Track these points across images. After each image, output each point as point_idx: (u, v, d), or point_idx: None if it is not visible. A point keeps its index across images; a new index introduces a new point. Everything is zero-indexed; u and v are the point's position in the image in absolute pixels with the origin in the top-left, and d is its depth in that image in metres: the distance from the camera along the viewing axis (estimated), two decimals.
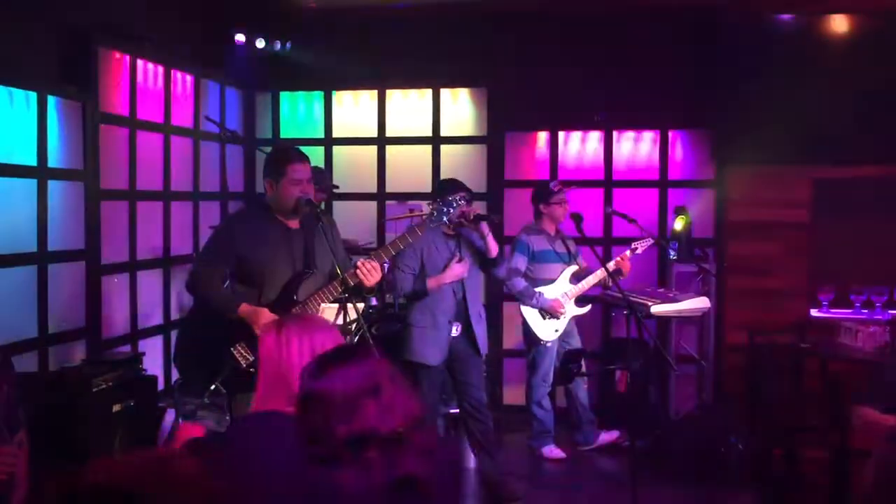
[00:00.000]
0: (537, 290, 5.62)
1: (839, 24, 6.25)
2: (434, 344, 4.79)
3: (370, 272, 3.75)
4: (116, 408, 4.53)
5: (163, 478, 1.24)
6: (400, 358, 4.81)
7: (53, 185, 4.99)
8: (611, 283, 5.41)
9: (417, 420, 1.71)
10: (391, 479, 1.61)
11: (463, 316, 4.87)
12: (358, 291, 3.86)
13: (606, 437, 5.91)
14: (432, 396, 4.91)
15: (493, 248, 4.87)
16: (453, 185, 4.85)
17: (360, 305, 3.80)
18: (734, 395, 6.26)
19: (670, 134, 6.77)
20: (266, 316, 3.64)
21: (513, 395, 6.66)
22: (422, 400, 4.94)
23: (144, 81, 5.79)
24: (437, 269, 4.80)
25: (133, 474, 1.22)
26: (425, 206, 4.66)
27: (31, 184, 4.84)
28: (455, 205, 4.19)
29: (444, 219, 4.11)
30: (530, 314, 5.67)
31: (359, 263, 3.77)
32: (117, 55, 5.50)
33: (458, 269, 4.80)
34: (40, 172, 4.89)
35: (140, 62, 5.72)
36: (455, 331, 4.85)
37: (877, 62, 6.09)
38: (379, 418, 1.65)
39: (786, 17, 6.34)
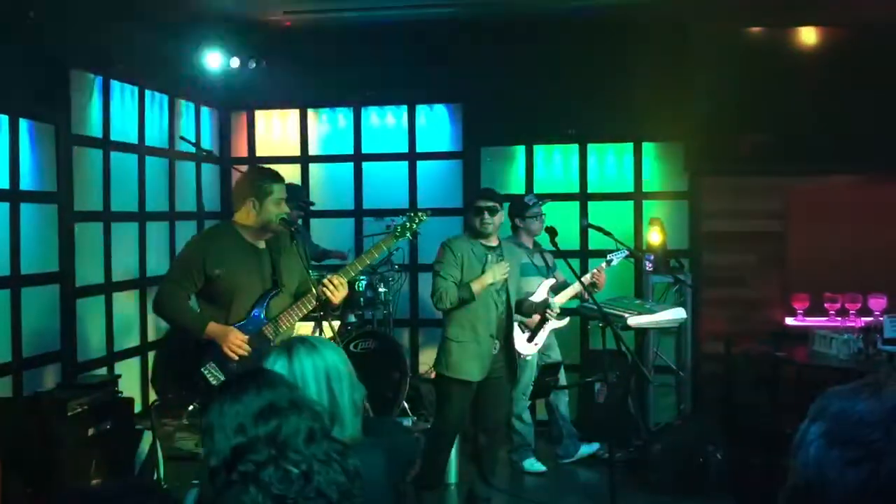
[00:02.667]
0: None
1: (811, 35, 6.35)
2: (476, 358, 4.57)
3: (337, 288, 3.71)
4: (92, 431, 4.49)
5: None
6: (437, 373, 4.67)
7: (26, 208, 4.96)
8: (587, 296, 5.44)
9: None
10: None
11: (503, 332, 4.70)
12: (331, 309, 3.86)
13: (587, 449, 5.92)
14: (461, 415, 4.69)
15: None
16: (486, 196, 4.76)
17: (336, 324, 3.79)
18: (712, 405, 6.30)
19: (643, 146, 6.83)
20: (235, 335, 3.63)
21: None
22: (448, 418, 4.80)
23: (118, 102, 5.77)
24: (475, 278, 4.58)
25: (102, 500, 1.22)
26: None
27: (3, 207, 4.81)
28: (415, 225, 4.15)
29: (408, 234, 4.09)
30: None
31: (325, 280, 3.73)
32: (90, 77, 5.48)
33: (498, 269, 4.56)
34: (12, 195, 4.86)
35: (113, 83, 5.70)
36: (495, 347, 4.65)
37: (849, 72, 6.18)
38: None
39: (757, 28, 6.43)
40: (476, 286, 4.53)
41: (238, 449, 1.68)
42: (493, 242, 4.70)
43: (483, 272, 4.57)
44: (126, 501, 1.33)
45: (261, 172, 3.99)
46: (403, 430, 3.05)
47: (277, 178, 3.85)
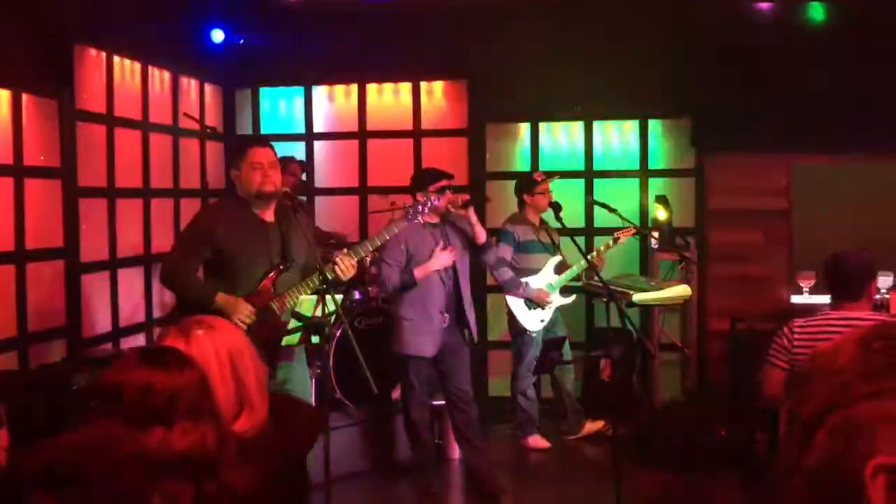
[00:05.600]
0: (523, 280, 5.62)
1: (820, 9, 6.28)
2: (427, 335, 4.74)
3: (347, 268, 3.76)
4: (95, 404, 4.50)
5: (105, 458, 1.25)
6: (395, 351, 4.82)
7: (30, 184, 4.96)
8: (592, 274, 5.43)
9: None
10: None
11: (453, 305, 4.84)
12: (335, 284, 3.87)
13: (591, 426, 5.93)
14: (422, 389, 4.89)
15: (481, 235, 4.85)
16: (431, 175, 4.84)
17: (339, 297, 3.80)
18: (717, 383, 6.29)
19: (650, 123, 6.79)
20: (245, 306, 3.63)
21: (498, 386, 6.67)
22: (411, 393, 4.93)
23: (121, 78, 5.75)
24: (424, 260, 4.74)
25: (74, 457, 1.23)
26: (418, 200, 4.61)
27: (7, 182, 4.81)
28: (435, 199, 4.25)
29: (420, 215, 4.15)
30: (516, 304, 5.68)
31: (336, 259, 3.78)
32: (93, 52, 5.46)
33: (443, 257, 4.74)
34: (17, 170, 4.86)
35: (117, 59, 5.68)
36: (445, 321, 4.81)
37: (855, 49, 6.12)
38: None
39: (764, 4, 6.37)
40: (419, 272, 4.68)
41: None
42: (436, 220, 4.75)
43: (430, 256, 4.70)
44: None
45: (239, 138, 4.00)
46: (305, 405, 2.95)
47: (253, 141, 3.87)
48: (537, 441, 5.76)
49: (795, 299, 6.21)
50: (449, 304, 4.81)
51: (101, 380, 1.62)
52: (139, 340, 5.99)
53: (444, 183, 4.74)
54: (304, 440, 2.18)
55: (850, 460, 0.76)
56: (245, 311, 3.64)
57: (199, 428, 1.58)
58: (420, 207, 4.19)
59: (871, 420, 0.78)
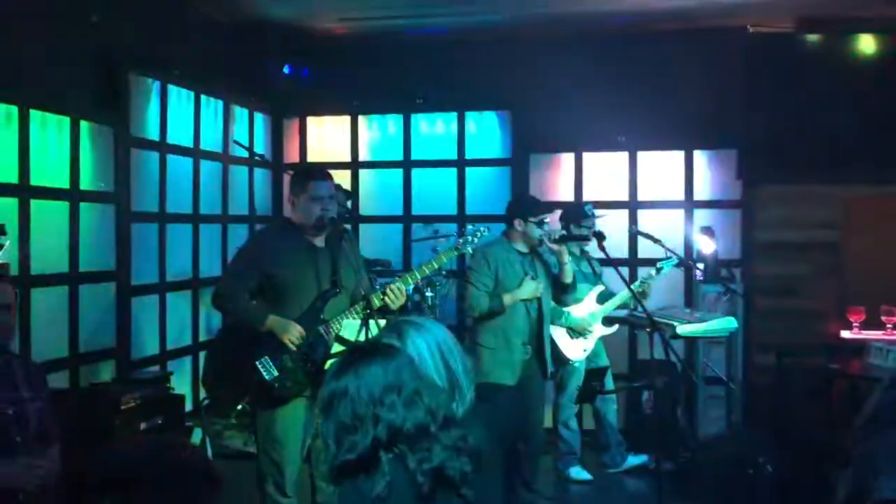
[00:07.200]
0: (565, 309, 5.60)
1: (870, 42, 6.23)
2: (506, 366, 4.52)
3: (396, 296, 3.81)
4: (144, 426, 4.59)
5: (162, 464, 1.29)
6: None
7: (85, 208, 5.10)
8: (636, 304, 5.39)
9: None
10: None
11: (535, 337, 4.64)
12: (382, 312, 3.90)
13: (634, 460, 5.85)
14: (502, 419, 4.49)
15: (569, 275, 4.68)
16: (533, 204, 4.70)
17: (383, 322, 3.83)
18: (763, 417, 6.17)
19: (695, 154, 6.76)
20: (296, 328, 3.68)
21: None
22: (490, 422, 4.76)
23: (175, 107, 5.91)
24: (511, 288, 4.54)
25: (133, 462, 1.27)
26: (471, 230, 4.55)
27: (63, 206, 4.95)
28: (475, 238, 4.21)
29: (468, 248, 4.17)
30: (558, 334, 5.65)
31: (387, 288, 3.83)
32: (149, 81, 5.63)
33: (533, 287, 4.54)
34: (72, 195, 5.01)
35: (171, 88, 5.84)
36: (527, 353, 4.59)
37: None
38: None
39: (813, 35, 6.33)
40: (507, 299, 4.51)
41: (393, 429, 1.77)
42: (526, 249, 4.65)
43: (520, 285, 4.53)
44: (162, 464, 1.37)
45: (303, 169, 4.08)
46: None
47: (316, 174, 3.90)
48: (579, 473, 5.70)
49: (845, 334, 6.09)
50: (531, 336, 4.60)
51: None
52: (185, 364, 6.09)
53: (546, 216, 4.60)
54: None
55: None
56: (295, 333, 3.69)
57: None
58: (470, 238, 4.22)
59: None
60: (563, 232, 4.87)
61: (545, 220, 4.59)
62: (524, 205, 4.71)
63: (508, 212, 4.71)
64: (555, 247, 4.59)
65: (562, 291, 4.77)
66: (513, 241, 4.62)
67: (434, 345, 2.20)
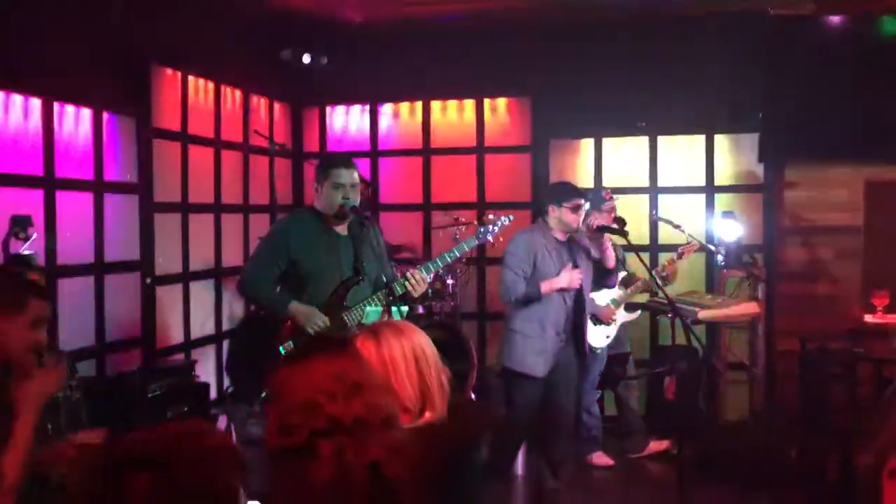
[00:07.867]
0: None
1: (890, 23, 6.14)
2: (539, 354, 4.50)
3: (418, 283, 3.83)
4: (170, 414, 4.65)
5: (193, 446, 1.32)
6: (503, 365, 4.61)
7: (109, 198, 5.16)
8: (657, 290, 5.38)
9: (387, 416, 1.68)
10: (359, 466, 1.59)
11: (570, 326, 4.60)
12: (404, 300, 3.93)
13: (656, 444, 5.86)
14: (527, 408, 4.60)
15: (612, 260, 4.72)
16: (569, 190, 4.66)
17: (405, 309, 3.86)
18: (786, 402, 6.15)
19: (716, 138, 6.72)
20: (319, 314, 3.72)
21: None
22: (516, 410, 4.73)
23: (196, 97, 5.95)
24: (549, 276, 4.50)
25: (166, 443, 1.31)
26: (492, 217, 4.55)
27: (87, 197, 5.01)
28: (497, 227, 4.23)
29: (489, 236, 4.19)
30: None
31: (408, 274, 3.85)
32: (169, 72, 5.67)
33: (572, 276, 4.49)
34: (97, 186, 5.06)
35: (191, 78, 5.88)
36: (561, 342, 4.56)
37: None
38: (343, 408, 1.62)
39: (835, 17, 6.25)
40: (546, 287, 4.47)
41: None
42: (563, 237, 4.63)
43: (558, 273, 4.50)
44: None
45: (326, 157, 4.10)
46: (475, 402, 3.06)
47: (338, 162, 3.92)
48: (601, 458, 5.71)
49: (869, 318, 6.05)
50: (567, 325, 4.57)
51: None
52: (209, 352, 6.15)
53: (580, 202, 4.57)
54: (475, 432, 2.32)
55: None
56: (317, 321, 3.73)
57: None
58: (491, 227, 4.23)
59: None
60: (602, 224, 4.82)
61: (580, 205, 4.56)
62: (557, 191, 4.70)
63: (542, 199, 4.71)
64: (596, 235, 4.65)
65: (605, 277, 4.80)
66: (551, 228, 4.61)
67: (409, 350, 2.20)
